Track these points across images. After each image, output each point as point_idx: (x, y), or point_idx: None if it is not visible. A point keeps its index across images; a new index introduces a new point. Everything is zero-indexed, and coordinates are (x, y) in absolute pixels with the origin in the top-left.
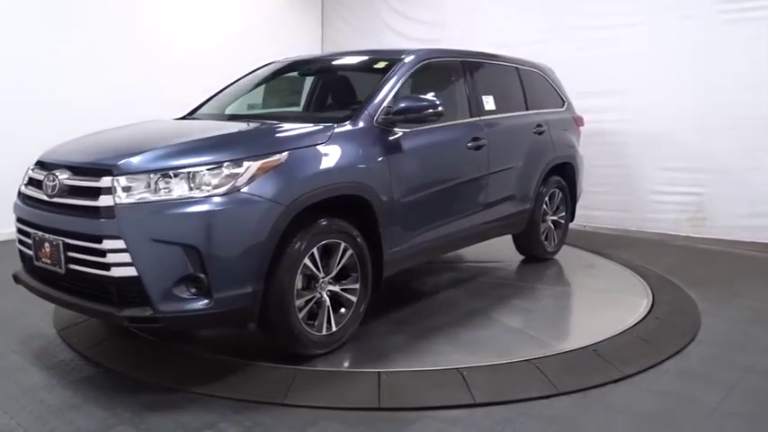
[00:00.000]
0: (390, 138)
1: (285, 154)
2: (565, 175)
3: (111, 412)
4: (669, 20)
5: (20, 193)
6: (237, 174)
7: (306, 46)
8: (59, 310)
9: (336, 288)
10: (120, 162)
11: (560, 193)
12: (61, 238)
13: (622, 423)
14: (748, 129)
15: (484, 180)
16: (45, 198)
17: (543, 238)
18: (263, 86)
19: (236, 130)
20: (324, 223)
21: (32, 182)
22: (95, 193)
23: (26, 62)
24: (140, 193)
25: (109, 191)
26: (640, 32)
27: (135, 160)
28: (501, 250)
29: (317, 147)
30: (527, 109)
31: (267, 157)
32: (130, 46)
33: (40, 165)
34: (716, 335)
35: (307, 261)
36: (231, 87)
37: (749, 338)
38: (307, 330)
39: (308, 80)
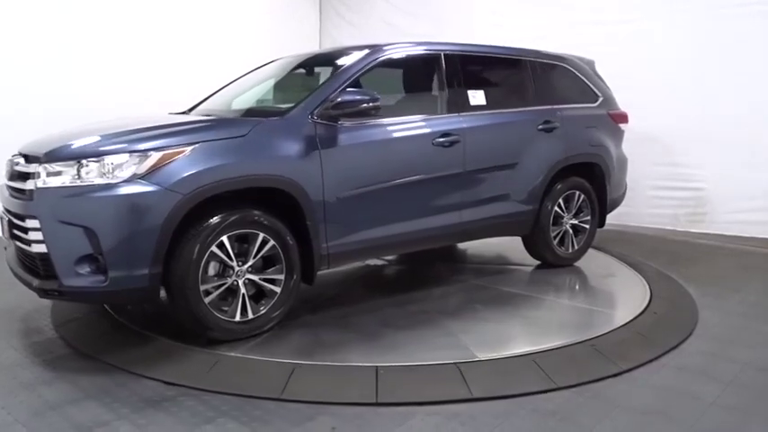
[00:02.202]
0: (327, 132)
1: (192, 146)
2: (591, 176)
3: (108, 408)
4: (668, 16)
5: None
6: (138, 163)
7: (304, 43)
8: (57, 305)
9: (255, 277)
10: (45, 151)
11: (581, 196)
12: (9, 216)
13: (620, 417)
14: (748, 125)
15: (459, 178)
16: (5, 181)
17: (557, 242)
18: (273, 81)
19: (157, 124)
20: (235, 213)
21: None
22: (27, 177)
23: (35, 62)
24: (60, 179)
25: (34, 176)
26: (640, 28)
27: (58, 150)
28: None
29: (233, 140)
30: (536, 104)
31: (169, 149)
32: (128, 44)
33: (19, 154)
34: (714, 330)
35: (215, 249)
36: (236, 83)
37: (747, 333)
38: (215, 316)
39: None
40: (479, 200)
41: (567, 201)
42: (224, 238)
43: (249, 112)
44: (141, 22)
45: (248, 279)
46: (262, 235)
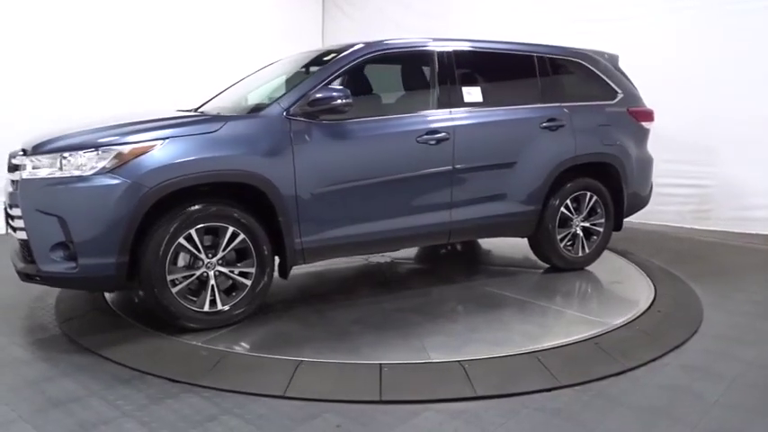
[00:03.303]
0: (302, 129)
1: (161, 141)
2: (606, 176)
3: (112, 405)
4: (670, 14)
5: None
6: (108, 157)
7: (307, 40)
8: (61, 302)
9: (226, 270)
10: (31, 146)
11: (593, 197)
12: (5, 206)
13: (624, 416)
14: (753, 122)
15: (448, 176)
16: (6, 173)
17: (565, 245)
18: (284, 78)
19: (133, 120)
20: (204, 207)
21: None
22: (18, 169)
23: (51, 63)
24: (45, 171)
25: (21, 167)
26: (643, 26)
27: (42, 144)
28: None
29: (203, 136)
30: (542, 102)
31: (139, 144)
32: (135, 43)
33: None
34: (718, 328)
35: (183, 241)
36: (248, 80)
37: (751, 332)
38: (183, 305)
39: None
40: (471, 199)
41: (578, 202)
42: (192, 231)
43: (256, 108)
44: (147, 20)
45: (219, 271)
46: (231, 228)
